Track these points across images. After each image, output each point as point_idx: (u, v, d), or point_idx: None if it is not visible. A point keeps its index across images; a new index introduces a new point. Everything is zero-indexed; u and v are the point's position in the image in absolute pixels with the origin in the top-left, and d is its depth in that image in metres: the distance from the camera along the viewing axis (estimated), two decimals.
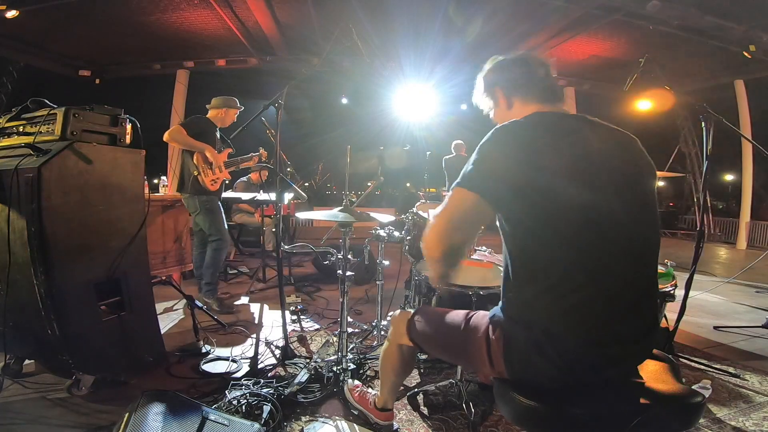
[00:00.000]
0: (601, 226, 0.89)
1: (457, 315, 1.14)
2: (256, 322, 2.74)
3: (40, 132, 1.64)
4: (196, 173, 2.82)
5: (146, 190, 2.09)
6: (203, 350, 2.18)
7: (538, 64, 1.12)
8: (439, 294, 1.79)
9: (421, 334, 1.22)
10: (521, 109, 1.09)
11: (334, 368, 1.86)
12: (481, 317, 1.07)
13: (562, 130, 0.97)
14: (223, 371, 1.97)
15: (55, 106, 1.68)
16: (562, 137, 0.94)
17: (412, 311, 1.28)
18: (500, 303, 1.03)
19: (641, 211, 0.94)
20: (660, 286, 2.04)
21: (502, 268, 1.74)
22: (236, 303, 3.12)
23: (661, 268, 2.22)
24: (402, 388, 1.85)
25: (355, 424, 1.50)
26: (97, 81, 7.67)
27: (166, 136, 2.78)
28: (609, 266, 0.89)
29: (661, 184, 7.42)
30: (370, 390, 1.64)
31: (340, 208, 1.92)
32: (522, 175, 0.90)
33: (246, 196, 3.84)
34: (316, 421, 1.56)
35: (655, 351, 1.03)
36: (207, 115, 3.02)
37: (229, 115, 3.05)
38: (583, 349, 0.88)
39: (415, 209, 2.41)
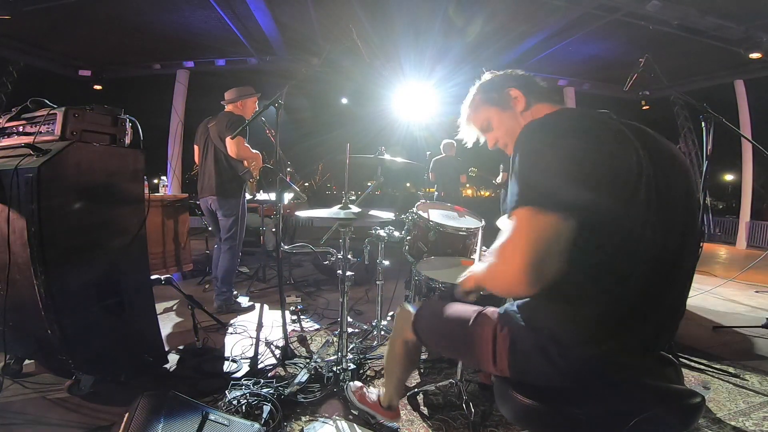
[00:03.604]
0: (623, 238, 0.81)
1: (465, 309, 1.12)
2: (256, 322, 2.74)
3: (40, 132, 1.64)
4: (251, 180, 2.85)
5: (146, 190, 2.09)
6: (203, 350, 2.18)
7: (533, 76, 1.13)
8: (439, 294, 1.79)
9: (426, 328, 1.21)
10: (540, 110, 1.04)
11: (334, 368, 1.86)
12: (491, 313, 1.05)
13: (605, 133, 0.85)
14: (223, 371, 1.97)
15: (55, 106, 1.68)
16: (606, 142, 0.83)
17: (414, 307, 1.27)
18: (509, 302, 1.02)
19: (672, 222, 0.85)
20: None
21: None
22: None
23: None
24: None
25: (355, 424, 1.50)
26: (98, 86, 7.68)
27: (234, 152, 2.71)
28: (623, 277, 0.83)
29: None
30: (372, 390, 1.64)
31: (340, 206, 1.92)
32: (568, 182, 0.79)
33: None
34: (316, 421, 1.56)
35: None
36: (225, 110, 2.95)
37: (248, 105, 2.93)
38: (590, 357, 0.86)
39: (415, 209, 2.40)
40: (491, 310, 1.07)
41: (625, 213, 0.80)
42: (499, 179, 6.05)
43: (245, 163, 2.84)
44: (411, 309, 1.27)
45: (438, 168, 5.44)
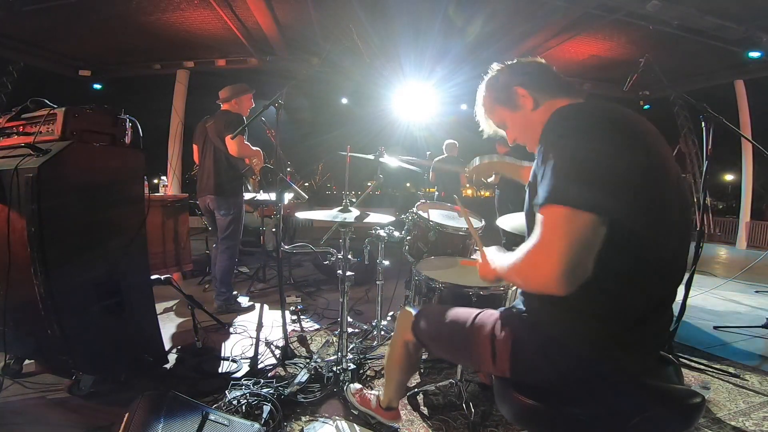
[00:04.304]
0: (619, 233, 0.79)
1: (463, 313, 1.12)
2: (256, 322, 2.74)
3: (40, 132, 1.64)
4: (253, 177, 2.85)
5: (146, 190, 2.09)
6: (203, 350, 2.18)
7: (548, 65, 1.08)
8: (440, 294, 1.79)
9: (425, 331, 1.21)
10: (555, 105, 0.98)
11: (334, 368, 1.86)
12: (488, 316, 1.05)
13: (637, 125, 0.83)
14: (223, 371, 1.97)
15: (55, 106, 1.68)
16: (641, 134, 0.82)
17: (415, 309, 1.28)
18: (510, 304, 1.02)
19: (661, 217, 0.84)
20: None
21: None
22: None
23: None
24: None
25: (355, 424, 1.50)
26: (98, 86, 7.69)
27: (235, 151, 2.71)
28: (627, 278, 0.83)
29: None
30: (372, 391, 1.64)
31: (340, 208, 1.92)
32: (606, 178, 0.77)
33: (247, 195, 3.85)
34: (316, 421, 1.56)
35: None
36: (222, 109, 2.94)
37: (243, 102, 2.92)
38: (590, 358, 0.86)
39: (415, 209, 2.40)
40: (489, 313, 1.07)
41: (632, 215, 0.79)
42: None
43: (246, 160, 2.84)
44: (411, 311, 1.28)
45: (438, 168, 5.46)
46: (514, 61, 1.11)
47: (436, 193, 5.47)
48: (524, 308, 0.98)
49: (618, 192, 0.76)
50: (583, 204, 0.74)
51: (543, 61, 1.10)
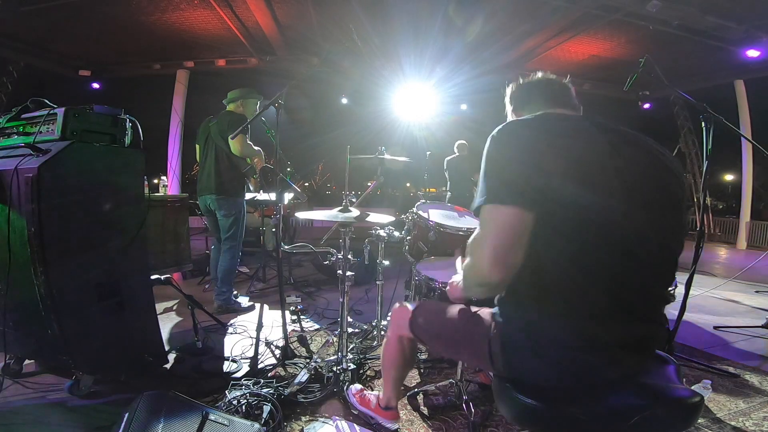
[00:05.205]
0: (602, 228, 0.84)
1: (461, 310, 1.12)
2: (256, 322, 2.73)
3: (40, 132, 1.64)
4: (254, 177, 2.86)
5: (146, 190, 2.09)
6: (203, 350, 2.18)
7: (542, 80, 1.17)
8: (440, 294, 1.79)
9: (423, 327, 1.21)
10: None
11: (334, 368, 1.85)
12: (485, 314, 1.06)
13: (562, 130, 0.94)
14: (223, 371, 1.97)
15: (55, 106, 1.68)
16: (561, 137, 0.91)
17: (411, 305, 1.28)
18: (500, 302, 1.02)
19: (650, 213, 0.89)
20: None
21: None
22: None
23: None
24: (402, 388, 1.85)
25: (355, 424, 1.50)
26: (97, 86, 7.71)
27: (238, 151, 2.72)
28: (610, 268, 0.86)
29: None
30: (372, 392, 1.64)
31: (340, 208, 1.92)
32: (523, 176, 0.86)
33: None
34: (316, 421, 1.56)
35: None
36: (226, 109, 2.96)
37: (248, 106, 2.95)
38: (583, 352, 0.87)
39: (415, 209, 2.41)
40: (486, 311, 1.07)
41: (593, 204, 0.84)
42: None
43: (248, 160, 2.85)
44: (408, 306, 1.27)
45: (450, 168, 5.57)
46: (520, 83, 1.22)
47: (449, 193, 5.54)
48: (510, 306, 0.98)
49: (539, 183, 0.84)
50: (505, 199, 0.84)
51: (522, 80, 1.21)
